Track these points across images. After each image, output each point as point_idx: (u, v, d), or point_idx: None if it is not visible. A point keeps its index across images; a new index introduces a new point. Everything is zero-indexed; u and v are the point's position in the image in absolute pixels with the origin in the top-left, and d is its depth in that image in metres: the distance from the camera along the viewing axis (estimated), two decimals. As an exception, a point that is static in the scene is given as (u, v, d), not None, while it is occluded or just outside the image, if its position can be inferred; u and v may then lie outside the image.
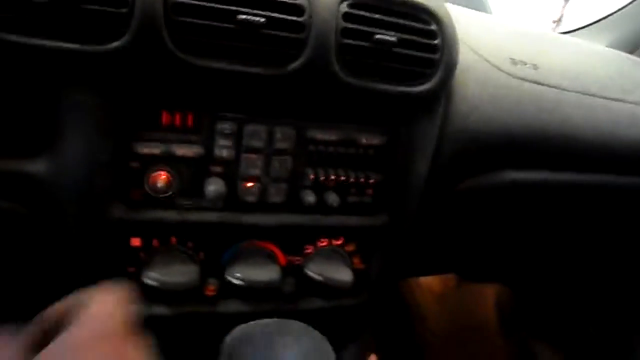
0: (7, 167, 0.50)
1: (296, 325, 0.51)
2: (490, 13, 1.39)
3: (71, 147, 0.49)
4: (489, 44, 0.75)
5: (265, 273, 0.58)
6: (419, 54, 0.55)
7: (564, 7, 2.71)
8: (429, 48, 0.56)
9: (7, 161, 0.50)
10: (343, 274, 0.61)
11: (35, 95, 0.48)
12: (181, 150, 0.53)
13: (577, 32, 1.26)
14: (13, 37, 0.43)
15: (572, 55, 0.88)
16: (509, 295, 1.46)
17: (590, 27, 1.23)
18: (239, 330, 0.52)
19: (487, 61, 0.70)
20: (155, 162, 0.53)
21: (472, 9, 0.99)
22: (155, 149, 0.52)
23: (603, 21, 1.21)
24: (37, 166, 0.50)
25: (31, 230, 0.53)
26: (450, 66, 0.58)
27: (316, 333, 0.51)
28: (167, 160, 0.53)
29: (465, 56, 0.66)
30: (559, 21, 2.63)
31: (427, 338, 1.40)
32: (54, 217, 0.52)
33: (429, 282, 1.52)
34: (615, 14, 1.18)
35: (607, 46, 1.11)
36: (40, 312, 0.38)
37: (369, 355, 1.21)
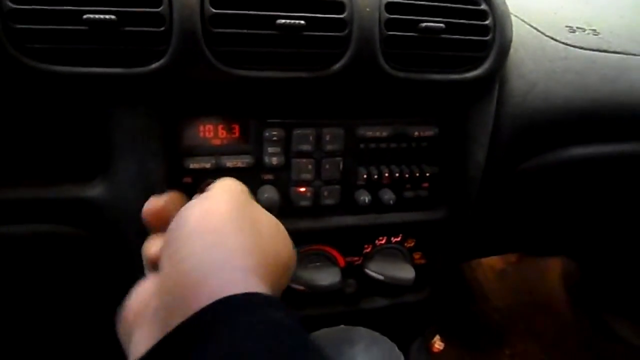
0: (65, 194, 0.51)
1: (364, 332, 0.50)
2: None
3: (124, 170, 0.49)
4: (544, 13, 0.70)
5: (325, 277, 0.57)
6: (469, 37, 0.51)
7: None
8: (479, 30, 0.52)
9: (65, 187, 0.51)
10: (404, 271, 0.60)
11: (85, 121, 0.48)
12: (231, 162, 0.52)
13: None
14: (58, 68, 0.44)
15: (637, 12, 0.81)
16: (575, 269, 1.40)
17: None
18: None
19: (543, 33, 0.66)
20: (207, 175, 0.52)
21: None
22: (206, 163, 0.52)
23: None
24: (94, 190, 0.51)
25: (95, 253, 0.54)
26: (504, 47, 0.54)
27: (385, 340, 0.49)
28: (219, 173, 0.52)
29: (518, 31, 0.61)
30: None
31: (490, 316, 1.37)
32: (115, 239, 0.52)
33: (489, 259, 1.48)
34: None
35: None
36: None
37: (433, 338, 1.20)
